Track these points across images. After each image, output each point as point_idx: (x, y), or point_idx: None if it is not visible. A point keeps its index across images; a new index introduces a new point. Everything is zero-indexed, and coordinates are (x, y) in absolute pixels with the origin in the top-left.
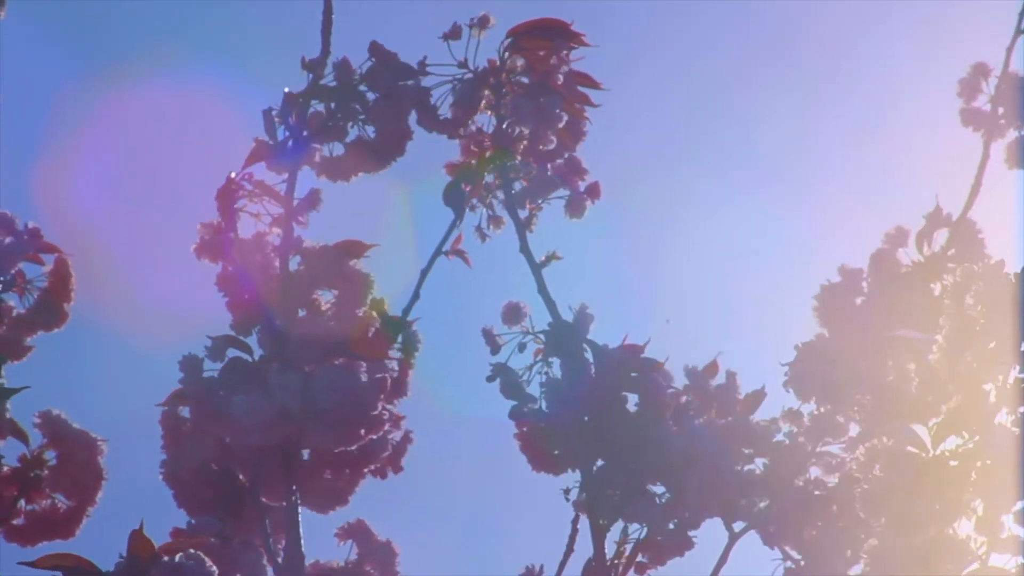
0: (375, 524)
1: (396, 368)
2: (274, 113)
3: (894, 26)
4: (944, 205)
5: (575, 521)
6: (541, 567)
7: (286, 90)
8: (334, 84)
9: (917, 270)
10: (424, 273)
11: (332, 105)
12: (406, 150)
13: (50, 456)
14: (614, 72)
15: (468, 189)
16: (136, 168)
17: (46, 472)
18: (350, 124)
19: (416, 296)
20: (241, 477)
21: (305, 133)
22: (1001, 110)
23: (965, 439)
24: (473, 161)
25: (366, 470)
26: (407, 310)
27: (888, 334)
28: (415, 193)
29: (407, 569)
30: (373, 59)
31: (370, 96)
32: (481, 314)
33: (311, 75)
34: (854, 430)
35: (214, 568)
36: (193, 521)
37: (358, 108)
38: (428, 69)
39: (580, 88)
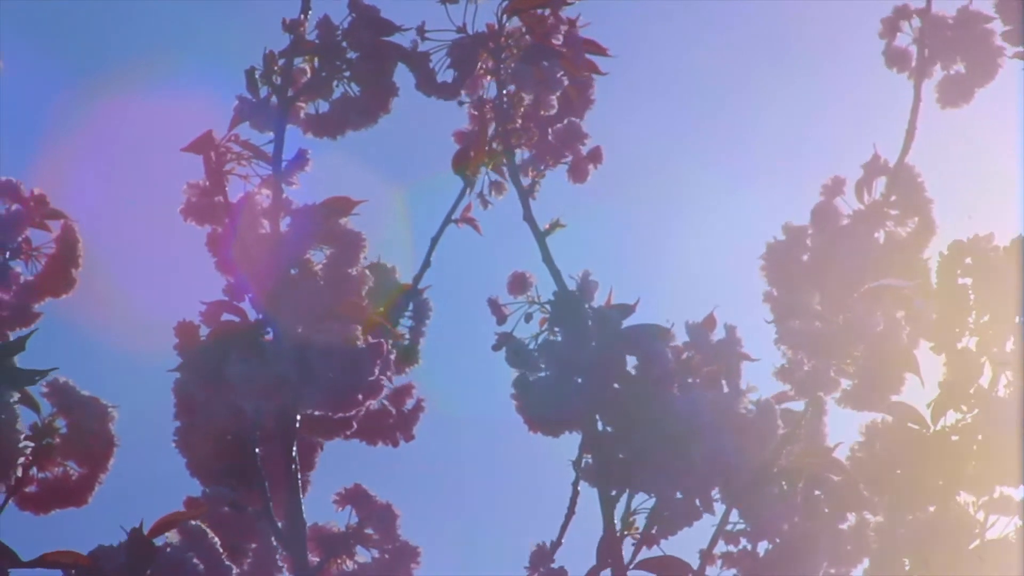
0: None
1: (407, 336)
2: (257, 73)
3: None
4: (882, 152)
5: (576, 483)
6: (553, 544)
7: (267, 49)
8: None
9: (859, 219)
10: (434, 240)
11: (316, 63)
12: (391, 107)
13: (61, 424)
14: (616, 46)
15: (474, 156)
16: (131, 174)
17: (57, 440)
18: (335, 82)
19: (427, 263)
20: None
21: (290, 92)
22: (927, 51)
23: (964, 412)
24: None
25: (379, 440)
26: (418, 278)
27: (843, 287)
28: (414, 194)
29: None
30: (353, 15)
31: (352, 53)
32: (489, 285)
33: (292, 36)
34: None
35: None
36: (207, 489)
37: (342, 65)
38: (427, 35)
39: (588, 56)
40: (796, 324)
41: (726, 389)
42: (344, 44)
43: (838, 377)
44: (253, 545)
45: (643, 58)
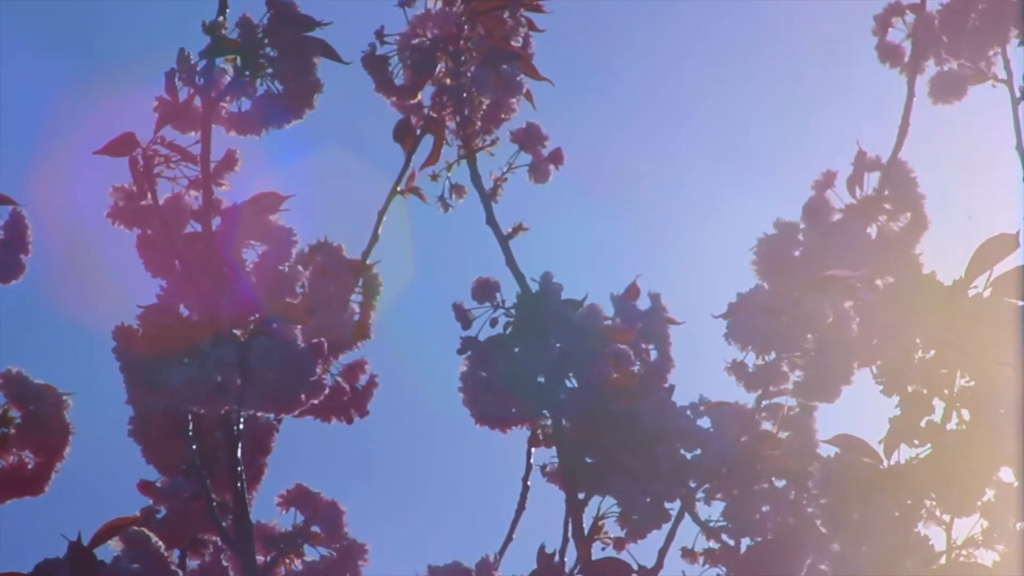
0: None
1: (358, 311)
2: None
3: None
4: (874, 146)
5: (525, 478)
6: (496, 556)
7: (181, 49)
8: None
9: (850, 214)
10: (381, 214)
11: (238, 62)
12: (316, 104)
13: (16, 415)
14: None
15: (420, 125)
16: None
17: (12, 430)
18: (258, 81)
19: (375, 238)
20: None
21: (213, 93)
22: (920, 47)
23: (916, 447)
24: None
25: (333, 417)
26: (366, 253)
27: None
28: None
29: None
30: (270, 12)
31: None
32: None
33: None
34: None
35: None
36: (164, 480)
37: (264, 63)
38: (385, 38)
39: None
40: (745, 318)
41: (655, 356)
42: (265, 41)
43: (789, 371)
44: (215, 538)
45: (636, 56)
